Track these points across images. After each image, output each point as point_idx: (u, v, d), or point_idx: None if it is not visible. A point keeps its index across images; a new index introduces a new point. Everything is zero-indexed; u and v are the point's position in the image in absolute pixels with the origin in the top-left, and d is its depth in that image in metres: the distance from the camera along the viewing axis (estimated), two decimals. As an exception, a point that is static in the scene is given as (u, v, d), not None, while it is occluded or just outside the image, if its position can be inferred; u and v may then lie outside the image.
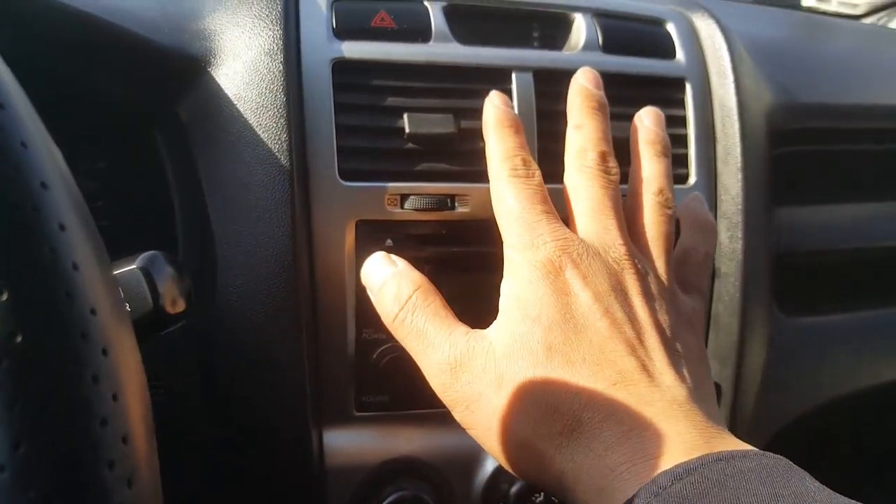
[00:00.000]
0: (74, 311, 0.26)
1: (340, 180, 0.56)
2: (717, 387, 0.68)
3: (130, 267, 0.36)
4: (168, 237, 0.62)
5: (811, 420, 0.86)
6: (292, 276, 0.54)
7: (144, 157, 0.62)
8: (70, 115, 0.57)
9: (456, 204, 0.59)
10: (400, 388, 0.59)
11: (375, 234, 0.57)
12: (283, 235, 0.54)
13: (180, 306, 0.37)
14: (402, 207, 0.57)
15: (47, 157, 0.27)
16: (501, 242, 0.53)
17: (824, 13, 1.20)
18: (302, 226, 0.55)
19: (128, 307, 0.37)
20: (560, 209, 0.50)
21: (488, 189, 0.54)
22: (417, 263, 0.58)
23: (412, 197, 0.57)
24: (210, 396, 0.59)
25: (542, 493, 0.59)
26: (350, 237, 0.57)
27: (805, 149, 0.79)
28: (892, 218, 0.86)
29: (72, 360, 0.26)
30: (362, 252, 0.57)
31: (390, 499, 0.57)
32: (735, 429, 0.69)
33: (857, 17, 1.20)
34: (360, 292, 0.58)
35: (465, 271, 0.60)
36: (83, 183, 0.48)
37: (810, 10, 1.20)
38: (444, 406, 0.60)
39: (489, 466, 0.61)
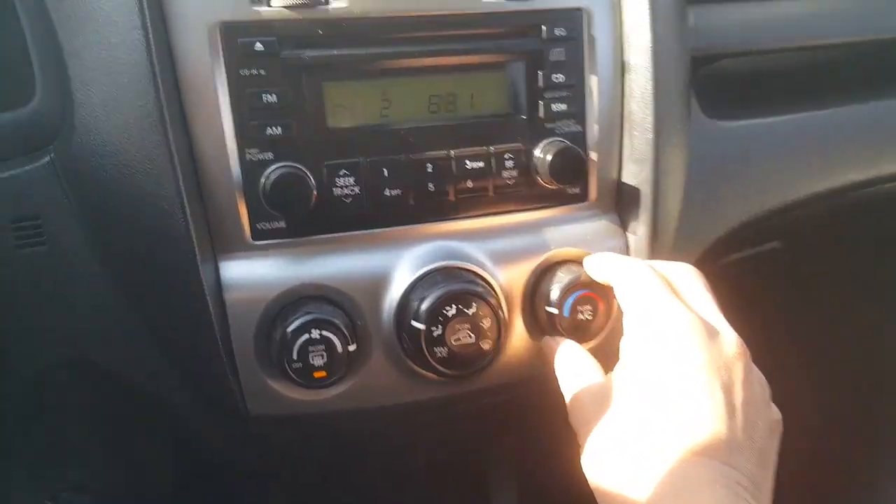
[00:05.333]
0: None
1: (194, -24, 0.55)
2: (636, 191, 0.69)
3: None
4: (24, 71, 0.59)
5: (746, 238, 0.88)
6: (152, 85, 0.53)
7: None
8: None
9: (330, -3, 0.57)
10: (296, 212, 0.59)
11: (243, 38, 0.56)
12: (135, 40, 0.53)
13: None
14: (268, 5, 0.56)
15: None
16: (386, 45, 0.54)
17: None
18: (158, 30, 0.53)
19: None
20: None
21: None
22: (293, 72, 0.57)
23: None
24: (91, 236, 0.59)
25: (455, 306, 0.60)
26: (215, 42, 0.55)
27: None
28: (822, 14, 0.86)
29: None
30: (232, 60, 0.56)
31: (296, 323, 0.58)
32: (658, 240, 0.71)
33: None
34: (240, 107, 0.57)
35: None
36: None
37: None
38: (347, 230, 0.61)
39: (399, 287, 0.62)
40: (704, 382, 0.50)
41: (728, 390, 0.51)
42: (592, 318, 0.65)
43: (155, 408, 0.69)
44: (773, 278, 1.12)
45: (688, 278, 0.58)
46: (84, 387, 0.69)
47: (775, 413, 0.55)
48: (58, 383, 0.70)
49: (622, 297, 0.58)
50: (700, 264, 0.77)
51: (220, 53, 0.56)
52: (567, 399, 0.59)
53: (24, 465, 0.85)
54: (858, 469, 1.16)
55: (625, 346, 0.56)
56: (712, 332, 0.53)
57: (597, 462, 0.53)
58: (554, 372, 0.63)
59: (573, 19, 0.65)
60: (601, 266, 0.63)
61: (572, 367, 0.61)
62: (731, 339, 0.53)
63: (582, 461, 0.55)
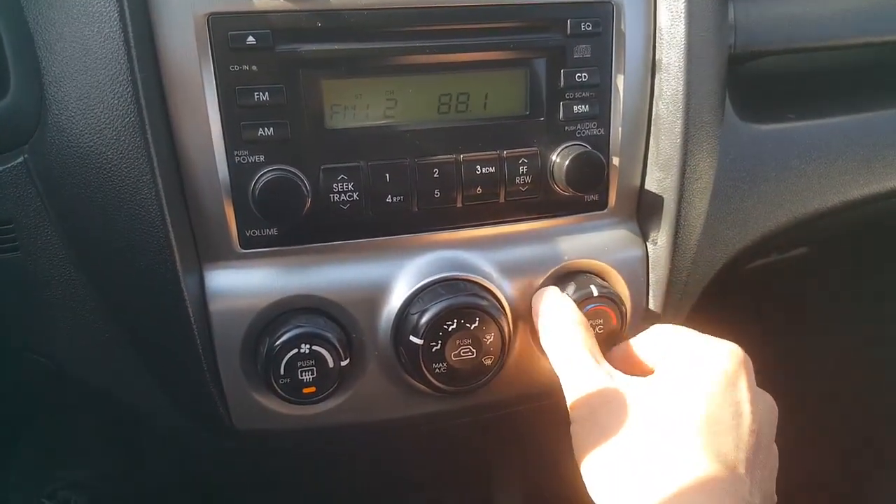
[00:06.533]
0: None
1: (180, -38, 0.49)
2: (659, 199, 0.65)
3: None
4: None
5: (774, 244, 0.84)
6: (130, 82, 0.48)
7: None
8: None
9: (333, -14, 0.52)
10: (288, 219, 0.55)
11: (234, 30, 0.51)
12: (111, 33, 0.48)
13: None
14: (263, -6, 0.51)
15: None
16: (394, 39, 0.49)
17: None
18: (138, 22, 0.48)
19: None
20: None
21: None
22: (289, 68, 0.53)
23: None
24: (67, 241, 0.55)
25: (456, 321, 0.57)
26: (203, 34, 0.50)
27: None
28: (872, 9, 0.79)
29: None
30: (221, 55, 0.51)
31: (285, 336, 0.54)
32: (679, 250, 0.66)
33: None
34: (229, 106, 0.52)
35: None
36: None
37: None
38: (344, 238, 0.57)
39: (397, 298, 0.59)
40: (735, 404, 0.52)
41: (743, 412, 0.53)
42: (603, 331, 0.62)
43: (141, 420, 0.66)
44: (796, 284, 1.08)
45: None
46: (74, 392, 0.67)
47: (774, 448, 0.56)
48: (49, 386, 0.68)
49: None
50: (722, 273, 0.74)
51: (209, 47, 0.51)
52: (569, 397, 0.55)
53: (21, 462, 0.83)
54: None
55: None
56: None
57: (601, 467, 0.51)
58: (558, 379, 0.58)
59: (602, 13, 0.59)
60: None
61: (555, 313, 0.59)
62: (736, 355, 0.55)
63: (583, 466, 0.52)
